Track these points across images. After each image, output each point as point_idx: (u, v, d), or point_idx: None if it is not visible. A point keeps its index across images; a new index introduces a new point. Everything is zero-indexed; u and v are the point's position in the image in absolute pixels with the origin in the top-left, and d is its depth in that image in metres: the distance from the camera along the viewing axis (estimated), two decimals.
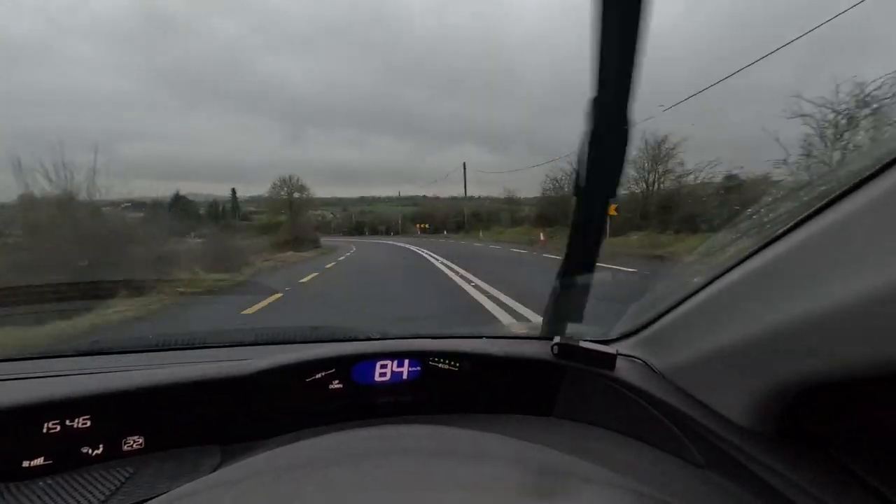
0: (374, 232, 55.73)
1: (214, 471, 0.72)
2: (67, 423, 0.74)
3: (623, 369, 0.91)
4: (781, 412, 0.63)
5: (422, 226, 50.32)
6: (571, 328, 1.09)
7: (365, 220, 61.41)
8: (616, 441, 0.87)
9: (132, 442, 0.78)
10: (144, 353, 1.03)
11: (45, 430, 0.73)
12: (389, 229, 55.94)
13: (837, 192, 0.49)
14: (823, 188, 0.51)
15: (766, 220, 0.69)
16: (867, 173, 0.46)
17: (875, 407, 0.60)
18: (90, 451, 0.76)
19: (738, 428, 0.69)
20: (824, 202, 0.50)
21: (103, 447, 0.77)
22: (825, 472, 0.61)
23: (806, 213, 0.52)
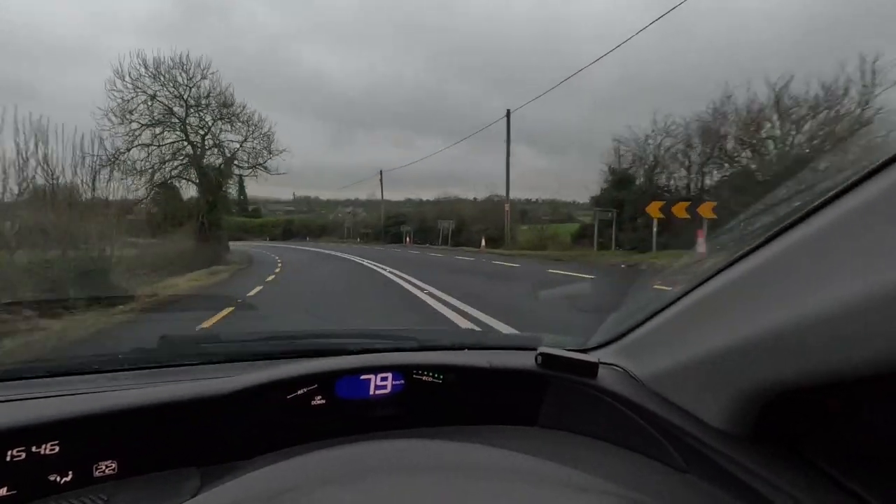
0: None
1: (195, 495, 0.69)
2: (34, 449, 0.69)
3: (604, 377, 0.93)
4: (758, 415, 0.66)
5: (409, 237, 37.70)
6: (553, 338, 1.10)
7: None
8: (600, 448, 0.88)
9: (104, 467, 0.74)
10: (113, 373, 0.98)
11: (8, 459, 0.68)
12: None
13: (809, 207, 0.51)
14: (797, 203, 0.54)
15: (743, 233, 0.72)
16: (838, 189, 0.48)
17: (845, 409, 0.64)
18: (59, 479, 0.71)
19: (717, 432, 0.71)
20: (797, 216, 0.53)
21: (73, 474, 0.72)
22: (800, 473, 0.64)
23: (780, 227, 0.55)
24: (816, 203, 0.50)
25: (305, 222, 59.32)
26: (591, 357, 0.95)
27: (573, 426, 0.95)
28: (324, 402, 0.90)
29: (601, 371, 0.93)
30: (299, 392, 0.88)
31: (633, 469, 0.80)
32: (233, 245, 27.52)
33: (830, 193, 0.49)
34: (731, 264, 0.64)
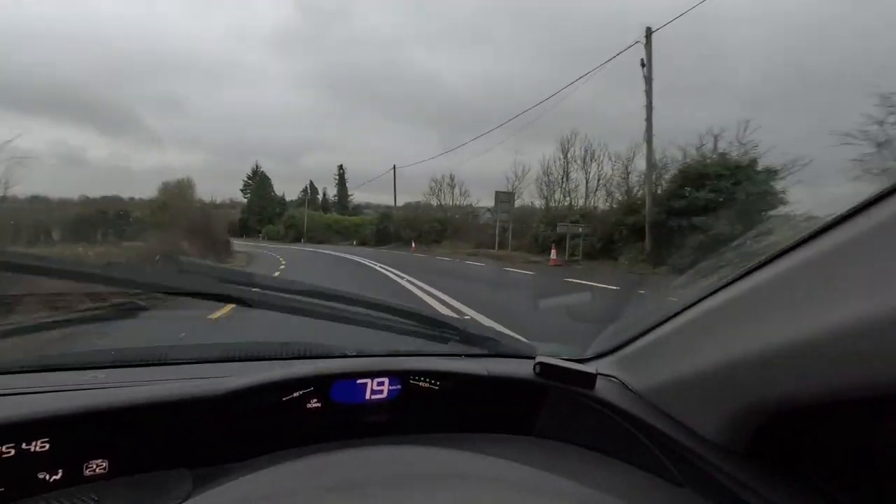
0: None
1: (187, 499, 0.68)
2: (23, 446, 0.68)
3: (602, 389, 0.92)
4: (755, 431, 0.66)
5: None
6: (551, 347, 1.10)
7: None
8: (595, 460, 0.88)
9: (95, 466, 0.73)
10: (105, 370, 0.97)
11: None
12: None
13: (812, 230, 0.51)
14: (804, 224, 0.54)
15: (748, 250, 0.72)
16: (842, 213, 0.48)
17: (842, 428, 0.63)
18: (48, 477, 0.70)
19: (714, 446, 0.71)
20: (800, 238, 0.53)
21: (63, 472, 0.71)
22: (796, 489, 0.64)
23: (783, 248, 0.55)
24: (819, 226, 0.51)
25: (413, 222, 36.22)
26: (589, 368, 0.95)
27: (570, 437, 0.94)
28: (319, 405, 0.89)
29: (599, 382, 0.93)
30: (294, 394, 0.87)
31: (629, 482, 0.80)
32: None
33: (834, 217, 0.49)
34: (733, 281, 0.64)
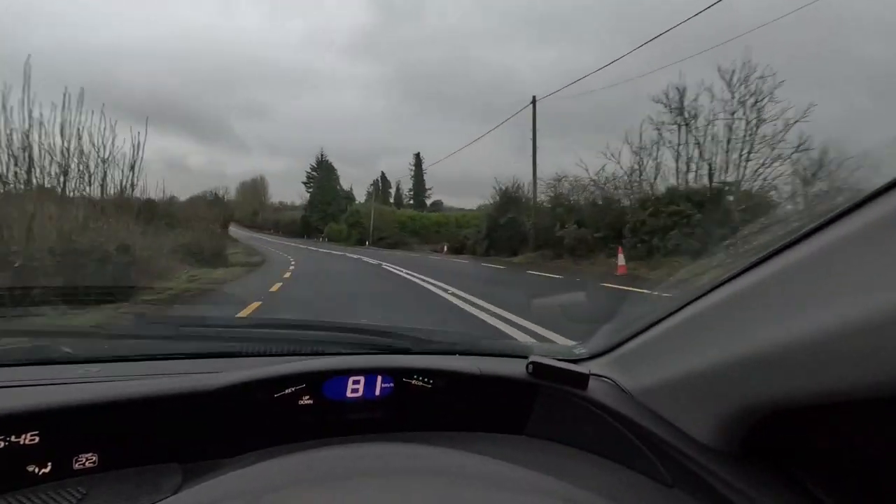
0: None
1: (176, 492, 0.68)
2: (13, 438, 0.68)
3: (595, 389, 0.92)
4: (746, 433, 0.66)
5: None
6: (545, 346, 1.09)
7: None
8: (586, 460, 0.88)
9: (85, 460, 0.73)
10: (98, 364, 0.97)
11: None
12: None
13: (807, 229, 0.51)
14: (797, 223, 0.54)
15: (741, 250, 0.72)
16: (837, 211, 0.48)
17: (831, 431, 0.64)
18: (37, 470, 0.70)
19: (704, 448, 0.71)
20: (794, 237, 0.53)
21: (52, 466, 0.71)
22: (785, 491, 0.64)
23: (779, 246, 0.55)
24: (814, 225, 0.51)
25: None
26: (582, 368, 0.95)
27: (561, 437, 0.94)
28: (311, 402, 0.89)
29: (592, 383, 0.93)
30: (287, 391, 0.87)
31: (619, 482, 0.80)
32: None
33: (829, 216, 0.49)
34: (726, 281, 0.64)
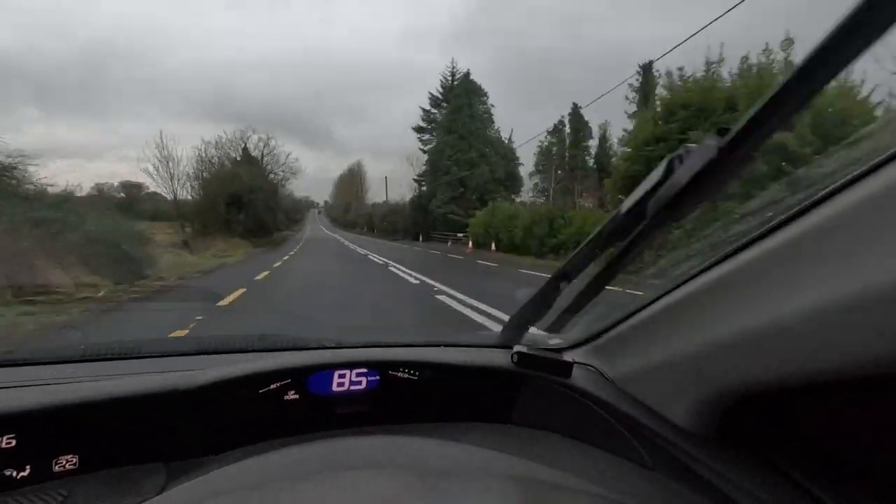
0: None
1: (161, 492, 0.67)
2: None
3: (578, 377, 0.94)
4: (722, 417, 0.69)
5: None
6: (530, 336, 1.11)
7: None
8: (571, 446, 0.90)
9: (65, 462, 0.72)
10: (73, 364, 0.95)
11: None
12: None
13: (783, 217, 0.52)
14: (770, 214, 0.55)
15: (716, 240, 0.74)
16: (817, 197, 0.49)
17: (804, 413, 0.66)
18: (15, 474, 0.69)
19: (683, 431, 0.73)
20: (770, 226, 0.54)
21: (31, 469, 0.69)
22: (761, 473, 0.66)
23: (756, 234, 0.56)
24: (791, 212, 0.52)
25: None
26: (566, 356, 0.96)
27: (546, 424, 0.96)
28: (297, 397, 0.89)
29: (575, 371, 0.94)
30: (272, 386, 0.87)
31: (602, 466, 0.82)
32: None
33: (808, 202, 0.50)
34: (706, 269, 0.66)
